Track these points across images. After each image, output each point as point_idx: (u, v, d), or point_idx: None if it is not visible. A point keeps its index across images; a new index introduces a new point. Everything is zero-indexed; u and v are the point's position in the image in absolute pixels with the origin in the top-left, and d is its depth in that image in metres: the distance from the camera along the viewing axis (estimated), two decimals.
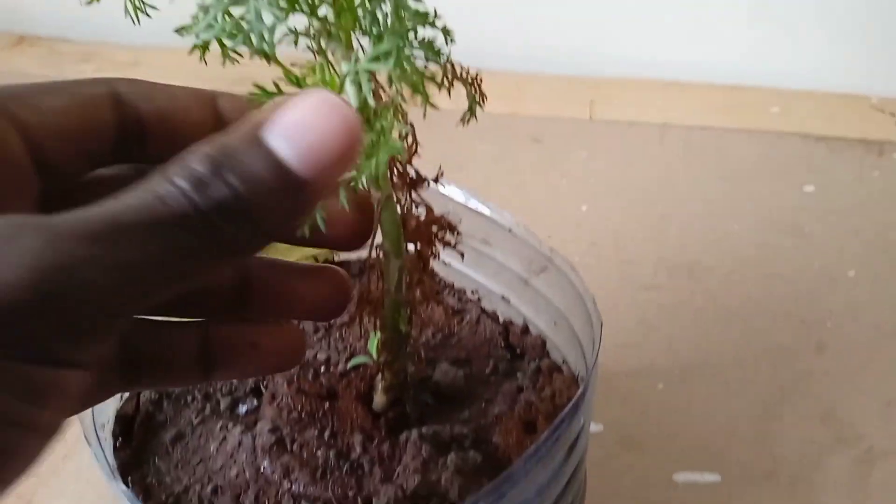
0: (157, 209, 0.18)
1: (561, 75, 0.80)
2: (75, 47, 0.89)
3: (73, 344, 0.18)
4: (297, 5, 0.22)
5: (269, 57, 0.22)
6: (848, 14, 0.73)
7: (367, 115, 0.25)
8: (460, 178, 0.37)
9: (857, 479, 0.42)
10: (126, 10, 0.27)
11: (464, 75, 0.28)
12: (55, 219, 0.18)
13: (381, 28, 0.23)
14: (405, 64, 0.23)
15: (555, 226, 0.61)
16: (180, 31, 0.24)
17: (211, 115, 0.26)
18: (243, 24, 0.21)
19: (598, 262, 0.57)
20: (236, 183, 0.19)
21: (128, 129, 0.24)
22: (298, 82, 0.24)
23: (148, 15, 0.28)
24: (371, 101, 0.22)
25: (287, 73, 0.23)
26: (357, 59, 0.24)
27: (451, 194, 0.34)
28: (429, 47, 0.24)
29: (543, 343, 0.36)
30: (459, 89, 0.27)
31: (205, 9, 0.22)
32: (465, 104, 0.27)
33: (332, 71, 0.25)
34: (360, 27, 0.24)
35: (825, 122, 0.70)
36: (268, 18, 0.22)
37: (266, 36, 0.21)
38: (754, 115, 0.72)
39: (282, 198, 0.19)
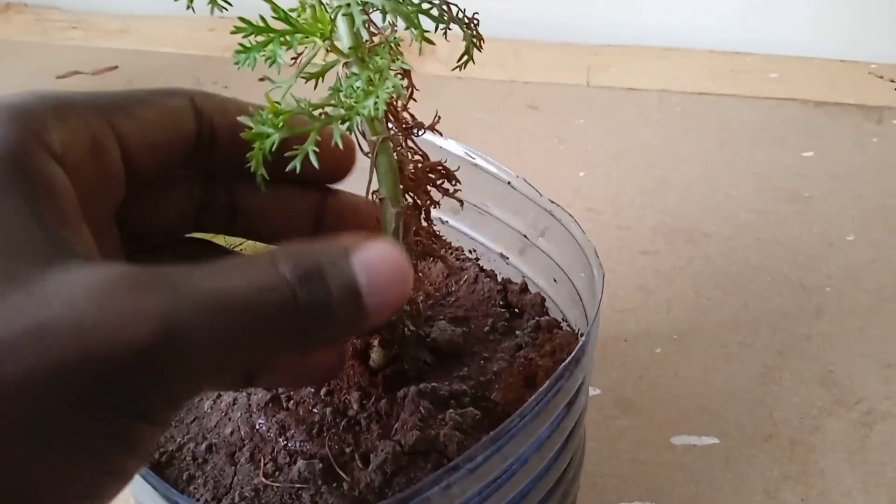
0: (264, 297, 0.20)
1: (558, 42, 0.79)
2: (63, 15, 0.88)
3: (169, 406, 0.19)
4: None
5: None
6: None
7: (361, 53, 0.24)
8: None
9: (857, 441, 0.42)
10: None
11: (460, 16, 0.27)
12: (174, 279, 0.19)
13: None
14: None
15: (553, 192, 0.59)
16: None
17: None
18: None
19: (596, 228, 0.56)
20: (335, 291, 0.21)
21: (203, 140, 0.25)
22: (287, 18, 0.23)
23: None
24: (364, 35, 0.22)
25: (276, 7, 0.22)
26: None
27: (449, 148, 0.34)
28: None
29: (542, 301, 0.35)
30: (452, 54, 0.26)
31: None
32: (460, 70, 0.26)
33: (322, 7, 0.24)
34: None
35: (824, 89, 0.70)
36: None
37: None
38: (753, 81, 0.71)
39: (344, 321, 0.21)
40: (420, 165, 0.27)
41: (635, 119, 0.68)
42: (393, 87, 0.21)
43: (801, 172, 0.60)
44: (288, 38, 0.22)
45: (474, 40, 0.27)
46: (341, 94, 0.23)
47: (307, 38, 0.23)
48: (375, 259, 0.22)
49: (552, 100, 0.70)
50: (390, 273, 0.22)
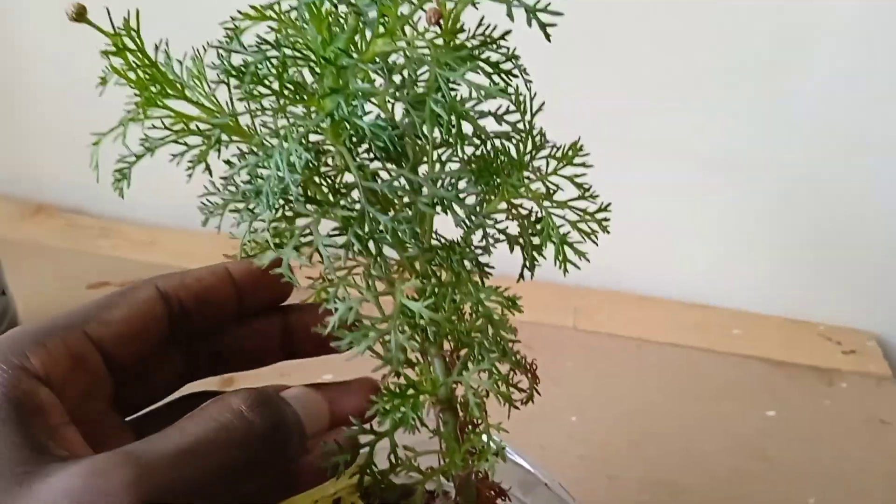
0: (227, 433, 0.24)
1: (549, 282, 0.88)
2: (93, 221, 0.95)
3: None
4: (415, 334, 0.29)
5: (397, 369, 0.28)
6: (795, 241, 0.84)
7: (454, 403, 0.31)
8: None
9: None
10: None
11: (524, 363, 0.34)
12: (137, 451, 0.23)
13: (478, 348, 0.30)
14: (497, 377, 0.30)
15: (548, 436, 0.66)
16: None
17: (229, 282, 0.33)
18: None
19: (587, 476, 0.62)
20: (288, 411, 0.26)
21: (175, 317, 0.31)
22: (414, 385, 0.30)
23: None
24: (478, 413, 0.29)
25: (409, 379, 0.29)
26: (446, 364, 0.30)
27: None
28: (513, 360, 0.31)
29: None
30: None
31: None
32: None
33: (432, 373, 0.31)
34: (455, 336, 0.31)
35: (782, 348, 0.79)
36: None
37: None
38: (719, 336, 0.81)
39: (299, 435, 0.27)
40: (482, 484, 0.33)
41: (618, 366, 0.76)
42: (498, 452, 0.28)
43: (765, 432, 0.68)
44: (416, 401, 0.29)
45: (535, 385, 0.34)
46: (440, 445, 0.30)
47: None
48: (299, 392, 0.28)
49: (544, 341, 0.78)
50: (313, 402, 0.28)
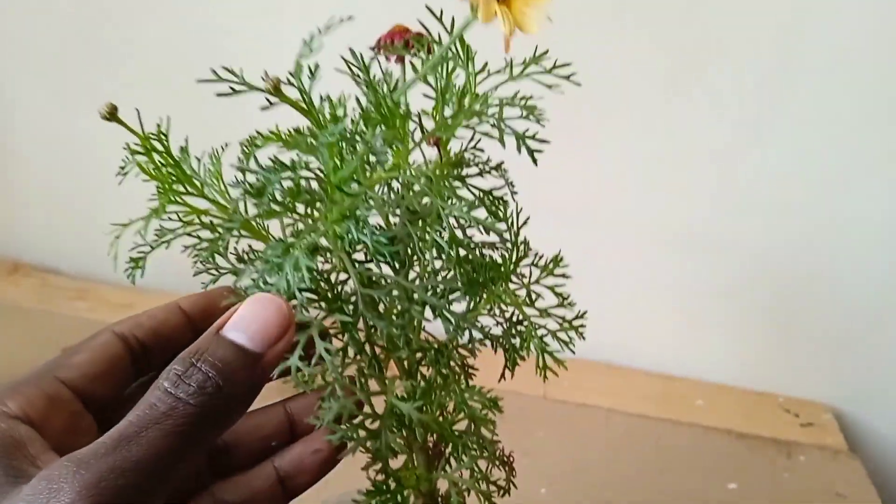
0: (150, 414, 0.26)
1: None
2: (69, 282, 0.95)
3: None
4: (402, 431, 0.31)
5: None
6: (755, 316, 0.88)
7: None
8: None
9: None
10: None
11: (502, 456, 0.36)
12: (80, 452, 0.25)
13: (461, 446, 0.32)
14: (479, 475, 0.32)
15: None
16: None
17: (181, 316, 0.35)
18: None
19: None
20: (206, 368, 0.27)
21: (137, 354, 0.34)
22: (398, 479, 0.32)
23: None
24: None
25: (393, 473, 0.31)
26: (429, 459, 0.32)
27: None
28: (493, 456, 0.33)
29: None
30: None
31: None
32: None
33: (416, 467, 0.33)
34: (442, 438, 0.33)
35: (743, 419, 0.82)
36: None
37: None
38: (683, 406, 0.83)
39: (244, 371, 0.28)
40: None
41: (587, 436, 0.78)
42: None
43: None
44: (401, 497, 0.31)
45: (512, 477, 0.36)
46: None
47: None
48: (245, 314, 0.28)
49: (515, 410, 0.80)
50: (265, 314, 0.28)
